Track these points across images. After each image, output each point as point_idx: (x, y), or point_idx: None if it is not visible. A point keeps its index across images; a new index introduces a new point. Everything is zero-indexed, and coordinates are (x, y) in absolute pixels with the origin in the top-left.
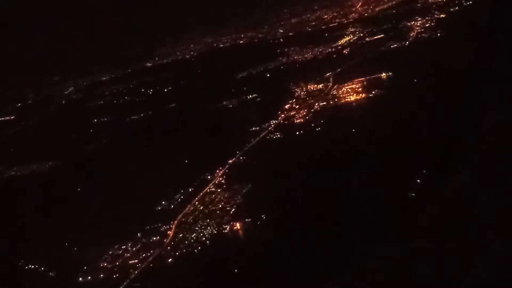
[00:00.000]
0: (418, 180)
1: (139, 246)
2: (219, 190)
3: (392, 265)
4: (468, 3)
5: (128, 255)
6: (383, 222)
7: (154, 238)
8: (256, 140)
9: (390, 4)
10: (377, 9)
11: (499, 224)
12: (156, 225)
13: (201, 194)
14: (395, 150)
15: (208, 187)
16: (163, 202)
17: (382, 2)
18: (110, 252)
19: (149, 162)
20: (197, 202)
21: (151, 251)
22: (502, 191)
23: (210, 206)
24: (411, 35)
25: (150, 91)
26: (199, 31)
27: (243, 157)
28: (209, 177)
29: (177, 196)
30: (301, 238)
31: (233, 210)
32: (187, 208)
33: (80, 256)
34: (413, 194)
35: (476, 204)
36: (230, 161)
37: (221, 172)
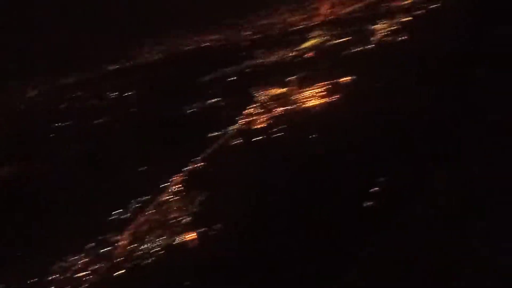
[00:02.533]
0: (377, 188)
1: (90, 257)
2: (175, 198)
3: None
4: (434, 6)
5: (79, 266)
6: (346, 230)
7: (106, 249)
8: (215, 145)
9: (355, 7)
10: (342, 12)
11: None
12: (108, 235)
13: (157, 202)
14: (356, 157)
15: (163, 196)
16: (117, 211)
17: (347, 5)
18: (60, 264)
19: (104, 169)
20: (151, 211)
21: (103, 263)
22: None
23: (165, 215)
24: (375, 38)
25: (111, 96)
26: (163, 34)
27: (201, 164)
28: (165, 185)
29: (132, 204)
30: (258, 247)
31: (189, 219)
32: (140, 218)
33: (28, 269)
34: (371, 203)
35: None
36: (188, 167)
37: (178, 179)
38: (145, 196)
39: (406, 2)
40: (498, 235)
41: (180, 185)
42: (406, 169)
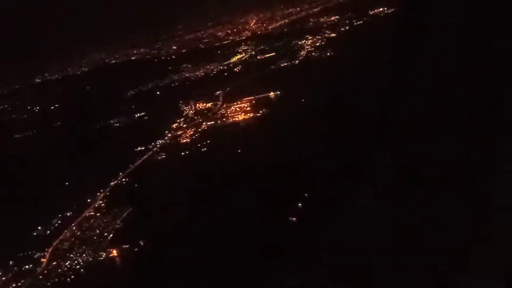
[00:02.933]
0: (300, 204)
1: (10, 275)
2: (98, 214)
3: None
4: (359, 23)
5: (1, 284)
6: (269, 244)
7: (27, 266)
8: (140, 160)
9: (283, 22)
10: (270, 27)
11: None
12: (30, 252)
13: (79, 219)
14: (280, 172)
15: (87, 211)
16: (39, 227)
17: (275, 20)
18: None
19: (27, 184)
20: (74, 228)
21: (23, 280)
22: None
23: (87, 232)
24: (301, 54)
25: (36, 109)
26: (93, 46)
27: (125, 179)
28: (89, 200)
29: (55, 220)
30: (181, 264)
31: (111, 235)
32: (63, 234)
33: None
34: (294, 219)
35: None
36: (112, 183)
37: (101, 195)
38: (68, 212)
39: (332, 19)
40: None
41: (104, 201)
42: (330, 185)
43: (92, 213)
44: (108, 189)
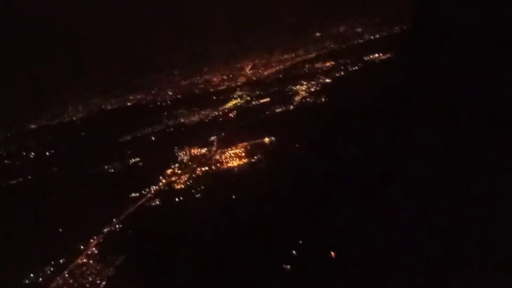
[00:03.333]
0: (294, 252)
1: None
2: (91, 261)
3: None
4: (354, 68)
5: None
6: None
7: None
8: (134, 207)
9: (278, 68)
10: (265, 73)
11: None
12: None
13: (71, 265)
14: (272, 220)
15: (79, 258)
16: (31, 275)
17: (270, 66)
18: None
19: (18, 231)
20: (66, 275)
21: None
22: None
23: (80, 279)
24: (296, 99)
25: (31, 155)
26: (90, 91)
27: (119, 225)
28: (82, 247)
29: (47, 268)
30: None
31: (103, 283)
32: (55, 282)
33: None
34: (288, 266)
35: None
36: (106, 229)
37: (95, 241)
38: (60, 259)
39: (327, 64)
40: None
41: (97, 248)
42: (325, 233)
43: (84, 260)
44: (101, 235)
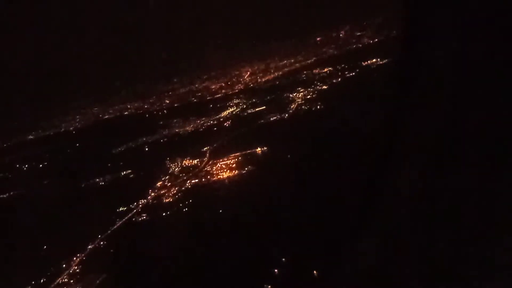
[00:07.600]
0: (276, 270)
1: None
2: (71, 281)
3: None
4: (351, 74)
5: None
6: None
7: None
8: (120, 222)
9: (276, 74)
10: (263, 80)
11: None
12: None
13: (52, 285)
14: (257, 236)
15: (60, 278)
16: None
17: (268, 73)
18: None
19: (1, 246)
20: None
21: None
22: None
23: None
24: (292, 107)
25: (25, 167)
26: (89, 100)
27: (103, 242)
28: (64, 265)
29: None
30: None
31: None
32: None
33: None
34: (269, 287)
35: None
36: (90, 246)
37: (77, 260)
38: (41, 279)
39: (325, 70)
40: None
41: (79, 267)
42: (310, 251)
43: (66, 279)
44: (84, 253)
